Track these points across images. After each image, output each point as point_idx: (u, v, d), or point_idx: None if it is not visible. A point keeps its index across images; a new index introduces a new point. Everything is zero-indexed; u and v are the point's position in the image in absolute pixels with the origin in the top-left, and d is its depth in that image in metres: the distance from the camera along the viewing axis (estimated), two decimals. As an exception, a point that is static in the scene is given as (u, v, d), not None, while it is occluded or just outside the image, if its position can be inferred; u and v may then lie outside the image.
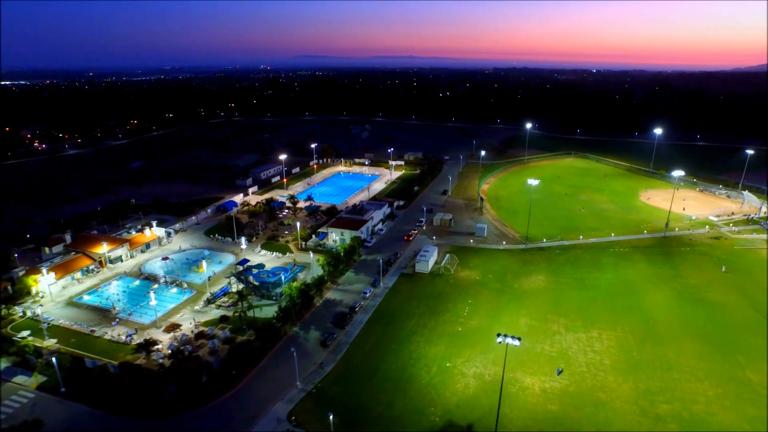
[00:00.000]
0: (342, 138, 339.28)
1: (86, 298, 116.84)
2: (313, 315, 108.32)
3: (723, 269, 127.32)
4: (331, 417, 71.21)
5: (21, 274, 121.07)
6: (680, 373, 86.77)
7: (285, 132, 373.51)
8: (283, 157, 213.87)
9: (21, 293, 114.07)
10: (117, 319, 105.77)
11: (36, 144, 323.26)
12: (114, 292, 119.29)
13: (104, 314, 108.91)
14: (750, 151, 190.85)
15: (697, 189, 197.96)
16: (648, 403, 79.40)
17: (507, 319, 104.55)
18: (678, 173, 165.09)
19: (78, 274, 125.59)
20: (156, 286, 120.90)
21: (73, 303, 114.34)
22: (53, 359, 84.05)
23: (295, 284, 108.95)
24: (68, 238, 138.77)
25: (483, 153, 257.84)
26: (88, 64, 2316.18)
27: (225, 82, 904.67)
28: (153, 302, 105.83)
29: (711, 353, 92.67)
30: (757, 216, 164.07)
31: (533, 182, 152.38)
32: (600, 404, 79.37)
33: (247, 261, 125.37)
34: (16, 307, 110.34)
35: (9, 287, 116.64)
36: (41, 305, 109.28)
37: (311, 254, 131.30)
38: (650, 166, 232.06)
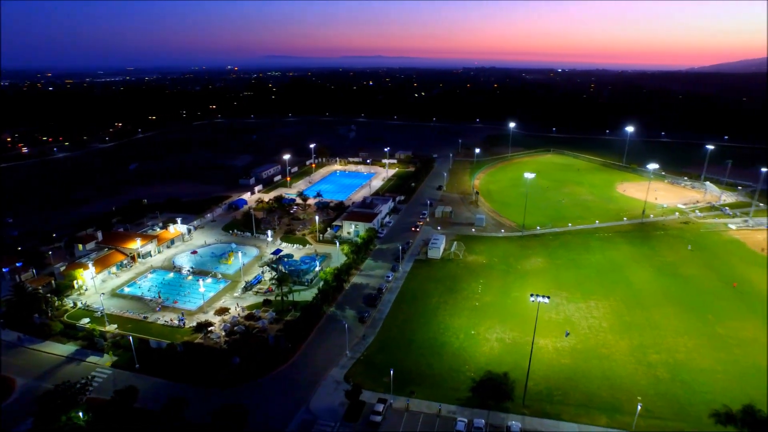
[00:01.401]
0: (330, 138, 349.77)
1: (127, 289, 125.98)
2: (344, 297, 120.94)
3: (689, 248, 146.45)
4: (392, 372, 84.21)
5: (62, 269, 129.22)
6: (664, 331, 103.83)
7: (272, 133, 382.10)
8: (286, 157, 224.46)
9: (66, 287, 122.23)
10: (160, 306, 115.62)
11: (20, 147, 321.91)
12: (152, 284, 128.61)
13: (147, 303, 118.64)
14: (710, 146, 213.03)
15: (666, 181, 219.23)
16: (641, 355, 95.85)
17: (516, 294, 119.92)
18: (653, 166, 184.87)
19: (113, 269, 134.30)
20: (190, 277, 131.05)
21: (115, 294, 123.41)
22: (129, 338, 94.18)
23: (329, 269, 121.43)
24: (99, 235, 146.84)
25: (477, 150, 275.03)
26: (43, 64, 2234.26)
27: (197, 83, 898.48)
28: (202, 289, 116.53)
29: (687, 314, 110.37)
30: (718, 203, 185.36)
31: (529, 176, 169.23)
32: (603, 357, 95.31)
33: (280, 251, 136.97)
34: (65, 299, 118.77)
35: (52, 281, 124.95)
36: (84, 297, 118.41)
37: (337, 244, 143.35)
38: (623, 160, 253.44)
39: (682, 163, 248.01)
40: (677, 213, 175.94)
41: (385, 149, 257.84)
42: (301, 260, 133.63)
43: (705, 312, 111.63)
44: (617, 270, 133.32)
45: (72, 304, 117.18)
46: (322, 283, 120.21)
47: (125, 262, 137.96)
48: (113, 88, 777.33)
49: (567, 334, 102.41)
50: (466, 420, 78.10)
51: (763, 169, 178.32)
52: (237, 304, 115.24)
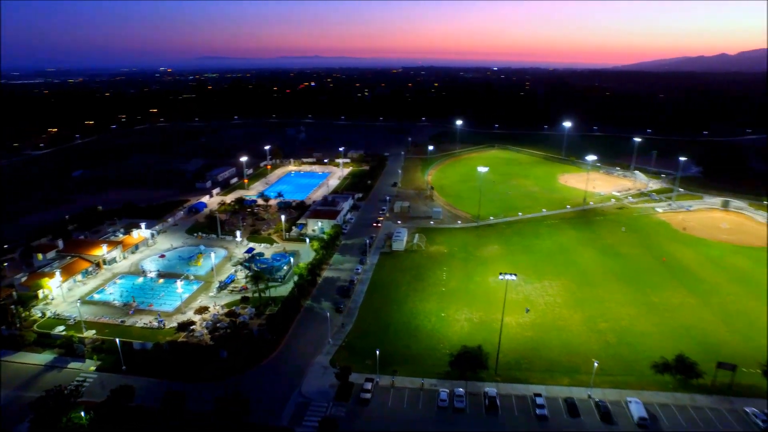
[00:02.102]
0: (279, 140, 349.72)
1: (96, 296, 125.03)
2: (318, 290, 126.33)
3: (623, 230, 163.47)
4: (377, 352, 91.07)
5: (23, 279, 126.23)
6: (610, 303, 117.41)
7: (220, 136, 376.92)
8: (243, 159, 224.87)
9: (30, 297, 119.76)
10: (133, 309, 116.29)
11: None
12: (122, 289, 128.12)
13: (119, 308, 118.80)
14: (637, 139, 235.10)
15: (601, 171, 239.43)
16: (592, 324, 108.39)
17: (479, 279, 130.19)
18: (591, 158, 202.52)
19: (79, 276, 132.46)
20: (161, 281, 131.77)
21: (85, 301, 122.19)
22: (115, 341, 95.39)
23: (302, 264, 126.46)
24: (60, 243, 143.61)
25: (431, 148, 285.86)
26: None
27: (131, 86, 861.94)
28: (180, 290, 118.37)
29: (627, 288, 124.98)
30: (646, 190, 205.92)
31: (482, 169, 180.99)
32: (560, 328, 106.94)
33: (253, 250, 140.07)
34: (33, 310, 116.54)
35: (13, 293, 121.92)
36: (51, 307, 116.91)
37: (307, 240, 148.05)
38: (562, 154, 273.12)
39: (613, 154, 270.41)
40: (613, 200, 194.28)
41: (340, 149, 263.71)
42: (273, 258, 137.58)
43: (641, 285, 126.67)
44: (565, 253, 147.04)
45: (40, 314, 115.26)
46: (296, 278, 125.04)
47: (90, 269, 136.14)
48: (36, 91, 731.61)
49: (527, 311, 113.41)
50: (447, 390, 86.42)
51: (682, 158, 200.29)
52: (215, 303, 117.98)
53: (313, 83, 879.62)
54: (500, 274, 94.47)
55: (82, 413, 75.08)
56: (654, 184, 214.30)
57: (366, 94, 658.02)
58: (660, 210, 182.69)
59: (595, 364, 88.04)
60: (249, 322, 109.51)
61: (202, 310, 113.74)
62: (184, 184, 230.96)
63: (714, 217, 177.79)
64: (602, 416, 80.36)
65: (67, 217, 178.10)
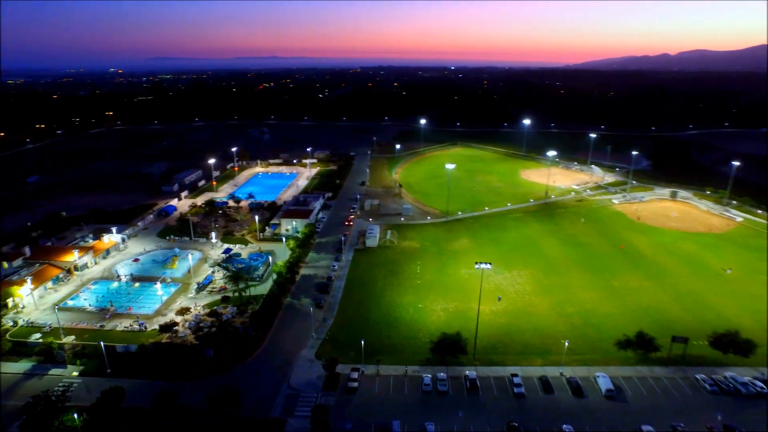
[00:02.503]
0: (243, 141, 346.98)
1: (70, 302, 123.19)
2: (297, 288, 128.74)
3: (582, 221, 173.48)
4: (362, 342, 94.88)
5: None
6: (574, 289, 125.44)
7: (183, 138, 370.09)
8: (211, 161, 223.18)
9: (7, 305, 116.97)
10: (109, 314, 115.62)
11: None
12: (98, 294, 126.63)
13: (96, 313, 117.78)
14: (593, 135, 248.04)
15: (560, 166, 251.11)
16: (560, 308, 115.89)
17: (451, 271, 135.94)
18: (552, 153, 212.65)
19: (50, 283, 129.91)
20: (137, 284, 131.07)
21: (60, 308, 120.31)
22: (101, 344, 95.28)
23: (280, 263, 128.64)
24: (27, 251, 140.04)
25: (398, 146, 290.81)
26: None
27: (80, 88, 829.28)
28: (159, 292, 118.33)
29: (589, 274, 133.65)
30: (602, 183, 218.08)
31: (450, 166, 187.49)
32: (531, 314, 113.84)
33: (230, 250, 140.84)
34: (3, 319, 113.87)
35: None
36: (23, 315, 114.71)
37: (283, 239, 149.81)
38: (523, 150, 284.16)
39: (571, 150, 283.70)
40: (573, 193, 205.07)
41: (308, 149, 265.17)
42: (250, 258, 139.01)
43: (602, 271, 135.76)
44: (531, 244, 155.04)
45: (12, 323, 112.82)
46: (275, 276, 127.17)
47: (61, 275, 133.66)
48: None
49: (499, 299, 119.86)
50: (430, 375, 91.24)
51: (634, 153, 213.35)
52: (195, 304, 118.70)
53: (272, 83, 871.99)
54: (476, 263, 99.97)
55: (75, 415, 75.43)
56: (609, 178, 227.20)
57: (326, 93, 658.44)
58: (616, 201, 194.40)
59: (566, 344, 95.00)
60: (232, 321, 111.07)
61: (183, 311, 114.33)
62: (150, 187, 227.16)
63: (664, 207, 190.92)
64: (574, 391, 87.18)
65: (29, 223, 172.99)
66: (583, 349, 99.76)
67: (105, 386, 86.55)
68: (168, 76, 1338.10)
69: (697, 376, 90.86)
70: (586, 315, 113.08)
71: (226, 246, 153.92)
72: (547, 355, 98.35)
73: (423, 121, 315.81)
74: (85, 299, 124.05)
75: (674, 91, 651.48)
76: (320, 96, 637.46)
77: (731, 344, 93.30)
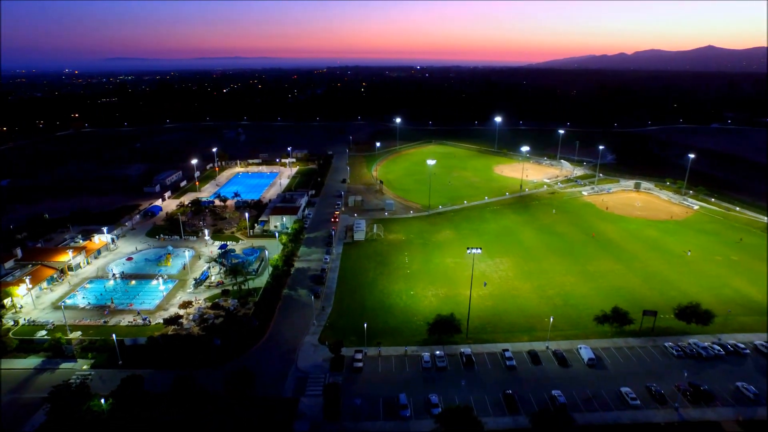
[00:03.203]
0: (218, 142, 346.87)
1: (68, 301, 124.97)
2: (292, 280, 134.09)
3: (554, 212, 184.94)
4: (365, 325, 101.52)
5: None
6: (553, 273, 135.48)
7: (155, 140, 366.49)
8: (194, 161, 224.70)
9: (4, 306, 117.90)
10: (108, 310, 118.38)
11: None
12: (96, 293, 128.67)
13: (96, 310, 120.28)
14: (561, 131, 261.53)
15: (531, 161, 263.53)
16: (541, 291, 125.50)
17: (438, 261, 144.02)
18: (525, 149, 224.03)
19: (44, 284, 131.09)
20: (133, 282, 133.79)
21: (57, 307, 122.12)
22: (113, 337, 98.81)
23: (276, 256, 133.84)
24: (19, 252, 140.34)
25: (378, 144, 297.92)
26: None
27: (35, 89, 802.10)
28: (161, 287, 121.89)
29: (566, 260, 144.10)
30: (572, 176, 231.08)
31: (431, 162, 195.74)
32: (515, 297, 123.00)
33: (226, 245, 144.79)
34: (3, 319, 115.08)
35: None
36: (22, 315, 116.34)
37: (276, 235, 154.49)
38: (495, 147, 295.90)
39: (540, 146, 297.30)
40: (545, 186, 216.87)
41: (288, 149, 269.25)
42: (244, 253, 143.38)
43: (577, 257, 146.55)
44: (510, 234, 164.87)
45: (13, 323, 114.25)
46: (271, 269, 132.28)
47: (55, 275, 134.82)
48: None
49: (485, 285, 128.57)
50: (429, 353, 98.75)
51: (601, 147, 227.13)
52: (196, 298, 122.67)
53: (238, 84, 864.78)
54: (467, 248, 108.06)
55: (102, 401, 79.38)
56: (578, 171, 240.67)
57: (296, 94, 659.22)
58: (585, 193, 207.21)
59: (551, 320, 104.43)
60: (236, 312, 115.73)
61: (186, 304, 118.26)
62: (130, 189, 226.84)
63: (629, 197, 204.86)
64: (559, 361, 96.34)
65: (11, 226, 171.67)
66: (565, 326, 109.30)
67: (119, 377, 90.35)
68: (130, 77, 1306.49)
69: (665, 344, 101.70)
70: (565, 296, 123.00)
71: (218, 243, 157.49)
72: (533, 332, 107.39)
73: (398, 120, 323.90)
74: (84, 297, 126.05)
75: (634, 89, 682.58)
76: (289, 96, 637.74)
77: (693, 315, 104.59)
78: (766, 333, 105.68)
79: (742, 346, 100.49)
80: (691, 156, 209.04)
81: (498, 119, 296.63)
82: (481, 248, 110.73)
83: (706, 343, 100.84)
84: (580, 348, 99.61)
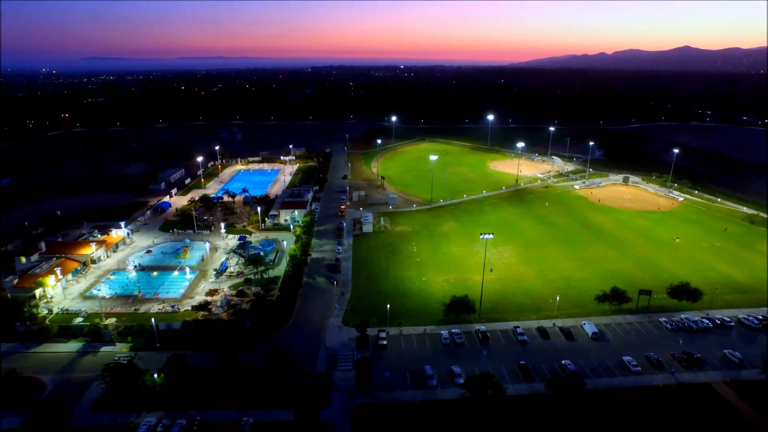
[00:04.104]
0: (213, 142, 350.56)
1: (95, 291, 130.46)
2: (309, 269, 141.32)
3: (546, 204, 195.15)
4: (388, 306, 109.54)
5: (15, 282, 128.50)
6: (553, 260, 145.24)
7: (150, 140, 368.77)
8: (199, 159, 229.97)
9: (29, 297, 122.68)
10: (132, 299, 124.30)
11: None
12: (120, 283, 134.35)
13: (122, 300, 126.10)
14: (552, 129, 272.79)
15: (523, 157, 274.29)
16: (544, 276, 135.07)
17: (444, 249, 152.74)
18: (521, 145, 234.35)
19: (69, 276, 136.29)
20: (155, 273, 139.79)
21: (86, 297, 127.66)
22: (152, 321, 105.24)
23: (294, 246, 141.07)
24: (43, 246, 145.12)
25: (379, 141, 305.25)
26: None
27: (15, 89, 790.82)
28: (189, 275, 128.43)
29: (564, 248, 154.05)
30: (563, 171, 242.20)
31: (433, 158, 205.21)
32: (520, 281, 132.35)
33: (245, 237, 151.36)
34: (38, 308, 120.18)
35: (8, 294, 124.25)
36: (53, 304, 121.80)
37: (291, 227, 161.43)
38: (487, 144, 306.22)
39: (529, 143, 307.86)
40: (539, 180, 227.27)
41: (290, 146, 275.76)
42: (261, 245, 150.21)
43: (573, 245, 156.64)
44: (510, 224, 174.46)
45: (47, 311, 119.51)
46: (288, 259, 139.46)
47: (79, 268, 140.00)
48: None
49: (491, 270, 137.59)
50: (447, 331, 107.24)
51: (591, 143, 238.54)
52: (220, 286, 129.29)
53: (221, 84, 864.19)
54: (480, 234, 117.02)
55: (155, 375, 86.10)
56: (569, 167, 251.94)
57: (286, 93, 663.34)
58: (577, 187, 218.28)
59: (557, 299, 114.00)
60: (265, 296, 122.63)
61: (212, 292, 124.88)
62: (133, 186, 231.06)
63: (618, 190, 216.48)
64: (566, 336, 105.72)
65: (26, 223, 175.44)
66: (568, 306, 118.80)
67: (157, 358, 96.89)
68: (111, 77, 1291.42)
69: (660, 319, 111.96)
70: (566, 280, 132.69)
71: (231, 236, 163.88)
72: (539, 311, 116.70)
73: (394, 119, 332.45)
74: (111, 288, 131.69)
75: (617, 87, 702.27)
76: (289, 95, 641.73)
77: (684, 293, 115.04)
78: (747, 308, 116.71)
79: (728, 319, 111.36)
80: (676, 150, 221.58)
81: (490, 117, 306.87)
82: (493, 234, 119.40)
83: (696, 318, 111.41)
84: (584, 324, 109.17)
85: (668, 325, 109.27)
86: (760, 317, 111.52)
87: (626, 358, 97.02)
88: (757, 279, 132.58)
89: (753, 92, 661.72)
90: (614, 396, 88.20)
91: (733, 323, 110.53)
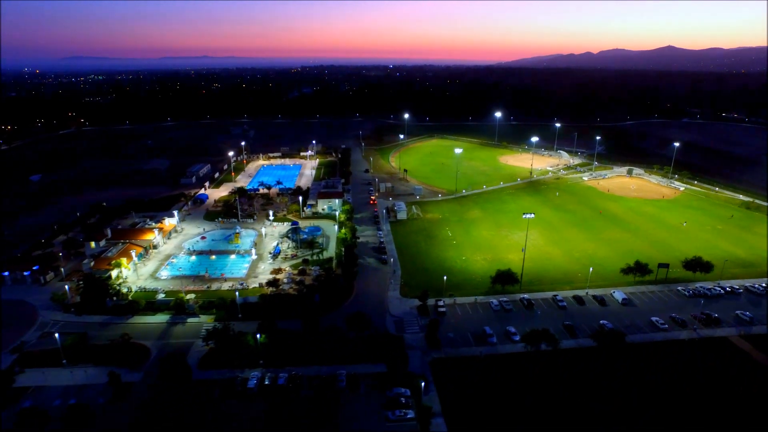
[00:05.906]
0: (228, 138, 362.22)
1: (163, 273, 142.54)
2: (357, 251, 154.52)
3: (557, 194, 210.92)
4: (444, 278, 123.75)
5: (91, 264, 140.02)
6: (575, 242, 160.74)
7: (164, 137, 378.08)
8: (230, 154, 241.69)
9: (107, 278, 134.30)
10: (202, 278, 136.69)
11: None
12: (183, 266, 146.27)
13: (191, 279, 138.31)
14: (558, 125, 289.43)
15: (531, 152, 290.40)
16: (570, 255, 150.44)
17: (476, 233, 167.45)
18: (535, 139, 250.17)
19: (136, 259, 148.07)
20: (213, 257, 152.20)
21: (156, 278, 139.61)
22: (236, 295, 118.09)
23: (344, 230, 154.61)
24: (109, 232, 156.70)
25: (402, 136, 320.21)
26: None
27: (5, 89, 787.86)
28: (253, 257, 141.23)
29: (583, 231, 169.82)
30: (571, 164, 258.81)
31: (458, 150, 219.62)
32: (549, 258, 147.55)
33: (297, 223, 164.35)
34: (120, 286, 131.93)
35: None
36: (129, 283, 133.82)
37: (336, 214, 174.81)
38: (495, 140, 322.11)
39: (540, 138, 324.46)
40: (550, 173, 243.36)
41: (313, 142, 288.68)
42: (308, 230, 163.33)
43: (591, 228, 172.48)
44: (530, 211, 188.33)
45: (127, 289, 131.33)
46: (336, 242, 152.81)
47: (143, 252, 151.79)
48: None
49: (523, 250, 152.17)
50: (496, 300, 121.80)
51: (597, 137, 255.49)
52: (281, 266, 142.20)
53: (216, 85, 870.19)
54: (523, 214, 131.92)
55: (258, 335, 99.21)
56: (576, 160, 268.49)
57: (288, 92, 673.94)
58: (586, 178, 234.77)
59: (590, 270, 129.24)
60: (332, 274, 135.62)
61: (276, 271, 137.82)
62: (161, 181, 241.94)
63: (624, 181, 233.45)
64: (599, 302, 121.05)
65: (78, 213, 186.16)
66: (596, 279, 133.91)
67: (239, 327, 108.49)
68: (101, 77, 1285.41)
69: (678, 288, 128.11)
70: (590, 258, 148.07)
71: (277, 223, 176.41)
72: (572, 283, 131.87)
73: (407, 116, 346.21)
74: (180, 269, 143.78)
75: (609, 86, 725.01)
76: (295, 93, 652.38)
77: (698, 265, 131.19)
78: (752, 279, 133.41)
79: (737, 287, 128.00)
80: (677, 144, 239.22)
81: (498, 114, 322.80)
82: (534, 213, 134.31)
83: (709, 286, 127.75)
84: (614, 292, 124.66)
85: (686, 293, 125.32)
86: (764, 285, 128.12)
87: (654, 318, 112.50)
88: (757, 256, 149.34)
89: (741, 91, 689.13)
90: (648, 348, 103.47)
91: (741, 290, 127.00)
